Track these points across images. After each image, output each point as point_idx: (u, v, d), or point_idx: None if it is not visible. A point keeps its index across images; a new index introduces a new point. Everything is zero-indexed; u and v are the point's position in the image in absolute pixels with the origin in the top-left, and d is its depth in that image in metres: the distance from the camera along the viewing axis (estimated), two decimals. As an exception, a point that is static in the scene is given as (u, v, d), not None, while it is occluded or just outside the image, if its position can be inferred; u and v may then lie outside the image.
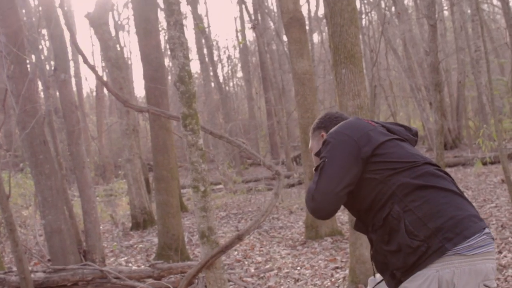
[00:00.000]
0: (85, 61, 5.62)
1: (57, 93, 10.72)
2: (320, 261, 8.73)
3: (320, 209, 2.88)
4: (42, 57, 12.99)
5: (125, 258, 10.36)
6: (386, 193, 2.83)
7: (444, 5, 29.32)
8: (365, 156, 2.89)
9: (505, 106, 26.35)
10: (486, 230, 2.75)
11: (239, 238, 5.01)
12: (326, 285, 7.30)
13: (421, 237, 2.68)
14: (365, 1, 25.87)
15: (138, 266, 8.97)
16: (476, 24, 20.98)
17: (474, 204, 12.30)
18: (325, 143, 2.97)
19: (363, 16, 25.21)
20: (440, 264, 2.65)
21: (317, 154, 3.07)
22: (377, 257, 2.93)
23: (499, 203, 12.00)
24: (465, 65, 26.45)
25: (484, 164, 17.78)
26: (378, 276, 3.21)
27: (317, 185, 2.86)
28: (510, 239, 8.37)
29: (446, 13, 30.09)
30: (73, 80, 29.69)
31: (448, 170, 18.85)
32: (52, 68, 9.19)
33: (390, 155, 2.91)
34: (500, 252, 7.83)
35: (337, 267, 8.25)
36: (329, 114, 3.35)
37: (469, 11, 26.56)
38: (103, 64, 31.94)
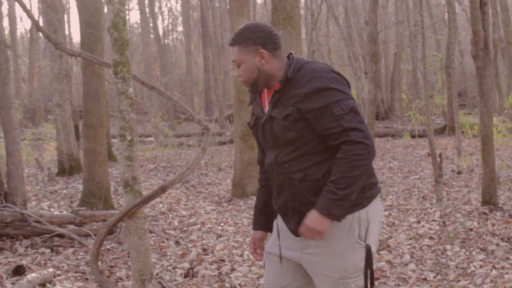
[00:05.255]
0: (17, -3, 5.45)
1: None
2: (244, 219, 8.82)
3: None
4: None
5: (48, 203, 10.22)
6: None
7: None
8: None
9: (438, 82, 26.96)
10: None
11: (162, 190, 5.00)
12: (248, 243, 7.38)
13: None
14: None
15: (61, 212, 8.87)
16: (417, -2, 21.22)
17: (399, 174, 12.64)
18: (337, 81, 2.88)
19: (308, -20, 25.18)
20: None
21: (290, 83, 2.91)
22: (292, 204, 2.99)
23: (423, 175, 12.33)
24: (403, 39, 26.83)
25: (413, 136, 18.21)
26: None
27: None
28: (429, 210, 8.62)
29: (389, -16, 30.36)
30: (6, 19, 28.83)
31: (378, 140, 19.24)
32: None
33: None
34: (418, 222, 8.06)
35: (259, 226, 8.33)
36: (264, 27, 2.98)
37: (411, -16, 26.85)
38: (40, 6, 31.04)
